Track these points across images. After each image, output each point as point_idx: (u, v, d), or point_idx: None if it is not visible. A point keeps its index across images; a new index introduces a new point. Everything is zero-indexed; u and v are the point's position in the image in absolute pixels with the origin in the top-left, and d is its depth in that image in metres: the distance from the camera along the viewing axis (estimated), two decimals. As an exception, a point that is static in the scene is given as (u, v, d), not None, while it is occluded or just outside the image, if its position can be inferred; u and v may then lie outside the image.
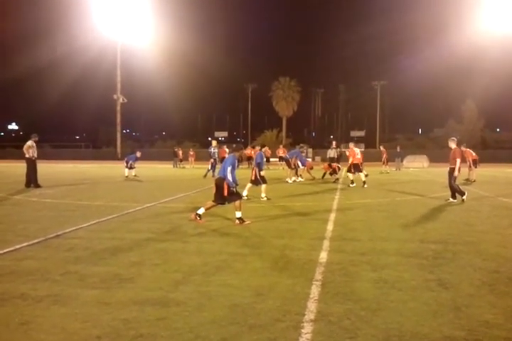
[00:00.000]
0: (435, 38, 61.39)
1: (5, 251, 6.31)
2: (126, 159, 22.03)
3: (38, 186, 15.87)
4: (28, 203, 12.01)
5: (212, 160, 21.73)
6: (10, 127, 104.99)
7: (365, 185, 17.07)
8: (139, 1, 47.91)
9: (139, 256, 6.09)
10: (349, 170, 17.80)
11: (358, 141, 74.95)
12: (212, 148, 22.09)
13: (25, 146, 16.06)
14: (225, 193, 8.53)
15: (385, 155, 28.38)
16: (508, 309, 4.10)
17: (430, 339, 3.46)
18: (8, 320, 3.84)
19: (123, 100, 56.72)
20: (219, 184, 8.62)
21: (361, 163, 18.07)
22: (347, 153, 18.67)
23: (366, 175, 18.38)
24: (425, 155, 38.79)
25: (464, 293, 4.53)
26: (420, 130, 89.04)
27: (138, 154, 22.12)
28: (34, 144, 16.18)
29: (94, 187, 17.42)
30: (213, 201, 8.78)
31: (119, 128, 58.40)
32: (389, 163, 28.93)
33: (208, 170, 21.76)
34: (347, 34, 76.38)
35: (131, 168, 21.47)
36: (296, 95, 68.37)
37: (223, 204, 8.84)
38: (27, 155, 16.01)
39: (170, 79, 69.91)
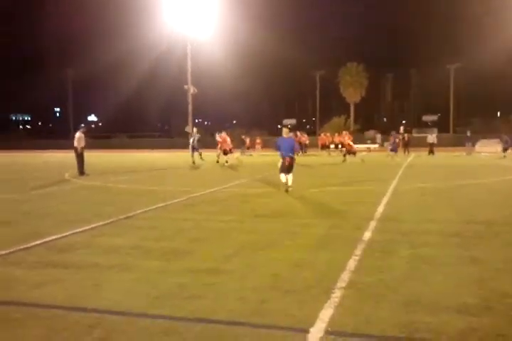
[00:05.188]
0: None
1: (84, 228, 7.17)
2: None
3: (82, 174, 17.03)
4: (104, 188, 13.11)
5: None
6: (89, 118, 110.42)
7: (226, 164, 21.51)
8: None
9: (198, 234, 6.76)
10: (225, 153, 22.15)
11: (431, 126, 72.95)
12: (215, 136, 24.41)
13: (77, 138, 17.22)
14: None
15: (400, 140, 28.38)
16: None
17: (445, 305, 3.82)
18: (82, 283, 4.58)
19: (194, 90, 58.22)
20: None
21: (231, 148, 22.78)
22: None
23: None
24: (499, 140, 37.20)
25: (492, 268, 4.79)
26: (499, 113, 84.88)
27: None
28: (83, 135, 17.46)
29: (164, 174, 18.49)
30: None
31: (190, 117, 59.98)
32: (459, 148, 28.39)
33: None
34: (415, 16, 73.63)
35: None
36: (364, 80, 67.10)
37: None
38: (76, 145, 17.15)
39: (237, 68, 70.94)
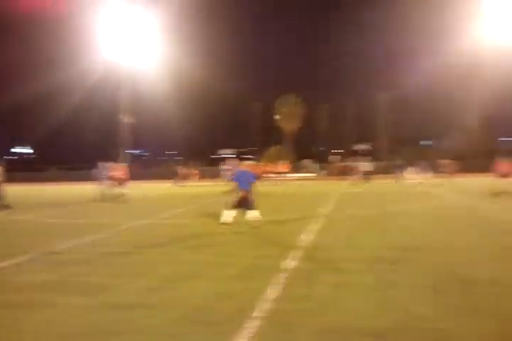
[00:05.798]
0: (433, 48, 61.01)
1: (5, 265, 6.87)
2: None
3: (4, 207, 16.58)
4: (29, 222, 12.60)
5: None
6: (22, 151, 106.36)
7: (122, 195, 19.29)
8: (142, 24, 49.06)
9: (122, 267, 6.61)
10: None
11: (364, 154, 75.47)
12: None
13: None
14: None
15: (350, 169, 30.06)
16: (442, 305, 4.52)
17: (360, 330, 3.91)
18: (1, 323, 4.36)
19: (129, 120, 57.40)
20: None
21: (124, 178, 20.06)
22: None
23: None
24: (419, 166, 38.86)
25: (409, 293, 4.95)
26: (428, 141, 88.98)
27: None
28: (0, 169, 17.11)
29: (92, 206, 18.00)
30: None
31: (123, 148, 58.83)
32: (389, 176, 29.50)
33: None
34: (339, 48, 76.42)
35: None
36: (301, 111, 68.96)
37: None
38: None
39: (176, 99, 70.88)
